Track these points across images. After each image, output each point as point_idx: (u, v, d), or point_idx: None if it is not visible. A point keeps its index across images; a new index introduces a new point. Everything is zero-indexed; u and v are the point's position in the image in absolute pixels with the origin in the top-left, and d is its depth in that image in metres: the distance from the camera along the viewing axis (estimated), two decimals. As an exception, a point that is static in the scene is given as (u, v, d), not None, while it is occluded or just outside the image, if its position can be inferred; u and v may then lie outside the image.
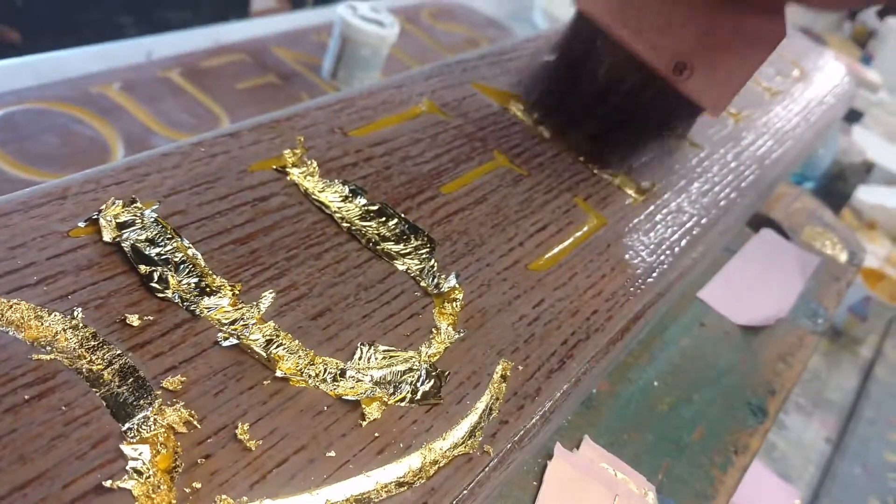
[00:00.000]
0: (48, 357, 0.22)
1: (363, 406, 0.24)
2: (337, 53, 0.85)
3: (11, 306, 0.22)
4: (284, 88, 0.84)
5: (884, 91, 1.64)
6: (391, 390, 0.25)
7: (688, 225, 0.39)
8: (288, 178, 0.31)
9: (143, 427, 0.21)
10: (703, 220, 0.40)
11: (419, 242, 0.30)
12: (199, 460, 0.21)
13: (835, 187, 1.09)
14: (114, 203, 0.26)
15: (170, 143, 0.31)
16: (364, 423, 0.24)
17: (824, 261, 0.46)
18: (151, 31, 0.84)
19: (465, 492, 0.23)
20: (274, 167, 0.31)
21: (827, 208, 0.52)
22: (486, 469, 0.24)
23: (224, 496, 0.20)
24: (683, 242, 0.38)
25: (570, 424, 0.31)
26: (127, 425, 0.21)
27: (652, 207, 0.39)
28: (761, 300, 0.40)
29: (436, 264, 0.30)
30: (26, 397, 0.21)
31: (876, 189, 1.25)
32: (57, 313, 0.23)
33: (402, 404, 0.25)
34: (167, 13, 1.49)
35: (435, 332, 0.27)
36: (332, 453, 0.22)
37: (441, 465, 0.23)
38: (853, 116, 1.47)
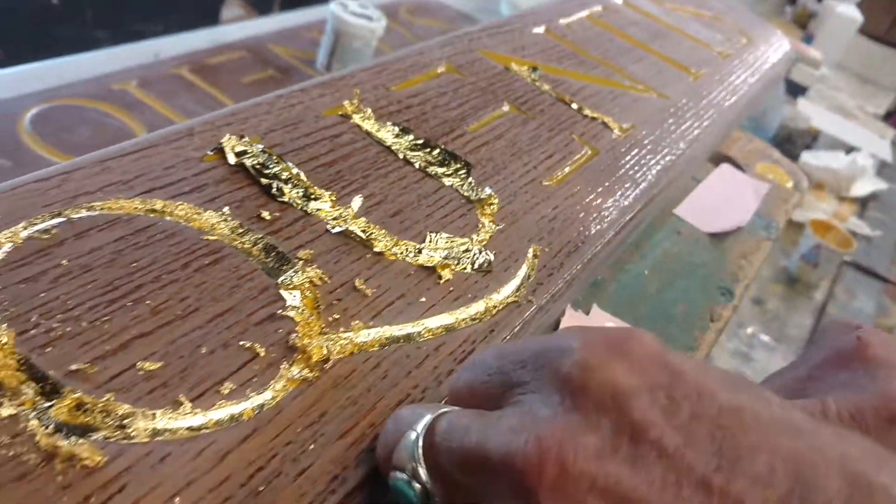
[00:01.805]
0: (213, 238, 0.30)
1: (439, 270, 0.32)
2: (330, 47, 0.93)
3: (177, 206, 0.30)
4: (284, 81, 0.91)
5: (825, 67, 1.77)
6: (455, 263, 0.33)
7: (662, 153, 0.48)
8: (351, 121, 0.39)
9: (293, 279, 0.29)
10: (675, 152, 0.49)
11: (458, 166, 0.39)
12: (333, 302, 0.29)
13: (784, 149, 1.20)
14: (229, 137, 0.34)
15: (254, 98, 0.39)
16: (441, 282, 0.32)
17: (774, 186, 0.56)
18: (125, 43, 0.90)
19: (517, 328, 0.32)
20: (340, 113, 0.39)
21: (775, 149, 0.62)
22: (530, 313, 0.32)
23: (356, 322, 0.29)
24: (658, 167, 0.47)
25: (581, 300, 0.40)
26: (281, 278, 0.29)
27: (633, 141, 0.48)
28: (724, 215, 0.49)
29: (472, 181, 0.38)
30: (206, 262, 0.29)
31: (821, 153, 1.36)
32: (210, 211, 0.31)
33: (465, 271, 0.33)
34: (140, 26, 1.55)
35: (480, 226, 0.36)
36: (424, 299, 0.31)
37: (499, 308, 0.32)
38: (798, 90, 1.59)
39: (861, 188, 1.30)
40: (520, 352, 0.21)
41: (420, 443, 0.21)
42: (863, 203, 1.31)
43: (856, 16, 2.01)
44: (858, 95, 1.86)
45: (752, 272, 0.46)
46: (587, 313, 0.38)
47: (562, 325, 0.36)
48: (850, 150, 1.41)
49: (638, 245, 0.46)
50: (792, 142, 1.25)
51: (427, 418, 0.22)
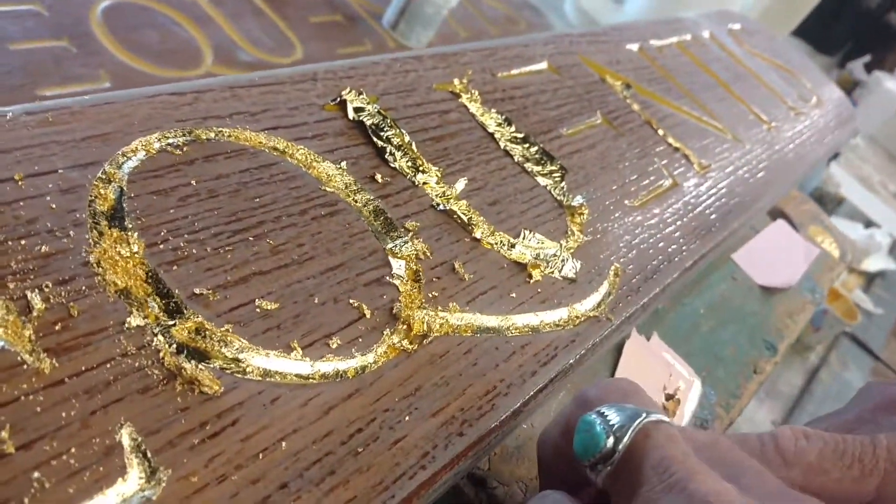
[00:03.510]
0: (330, 190, 0.30)
1: (530, 269, 0.33)
2: (401, 6, 0.92)
3: (298, 150, 0.31)
4: (349, 30, 0.91)
5: (860, 138, 1.78)
6: (545, 265, 0.34)
7: (735, 199, 0.48)
8: (459, 100, 0.39)
9: (402, 248, 0.29)
10: (747, 198, 0.49)
11: (554, 168, 0.39)
12: (433, 279, 0.30)
13: (812, 211, 1.21)
14: (350, 91, 0.35)
15: (372, 56, 0.39)
16: (531, 281, 0.32)
17: (822, 253, 0.57)
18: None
19: (595, 341, 0.32)
20: (449, 90, 0.39)
21: (826, 215, 0.63)
22: (608, 330, 0.33)
23: (453, 304, 0.29)
24: (729, 214, 0.47)
25: (642, 325, 0.41)
26: (390, 245, 0.29)
27: (710, 181, 0.48)
28: (776, 270, 0.50)
29: (565, 186, 0.39)
30: (322, 213, 0.29)
31: (841, 221, 1.38)
32: (328, 162, 0.31)
33: (553, 276, 0.33)
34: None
35: (570, 234, 0.36)
36: (514, 295, 0.31)
37: (580, 320, 0.33)
38: (832, 154, 1.60)
39: (873, 264, 1.32)
40: None
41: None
42: (870, 278, 1.33)
43: (900, 93, 2.02)
44: (884, 171, 1.89)
45: (796, 331, 0.47)
46: (648, 339, 0.39)
47: (625, 349, 0.37)
48: (868, 223, 1.43)
49: (696, 282, 0.47)
50: (823, 203, 1.26)
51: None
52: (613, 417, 0.23)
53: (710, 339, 0.43)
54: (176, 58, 0.74)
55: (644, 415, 0.23)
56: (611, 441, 0.22)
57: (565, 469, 0.26)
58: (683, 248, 0.41)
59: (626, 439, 0.22)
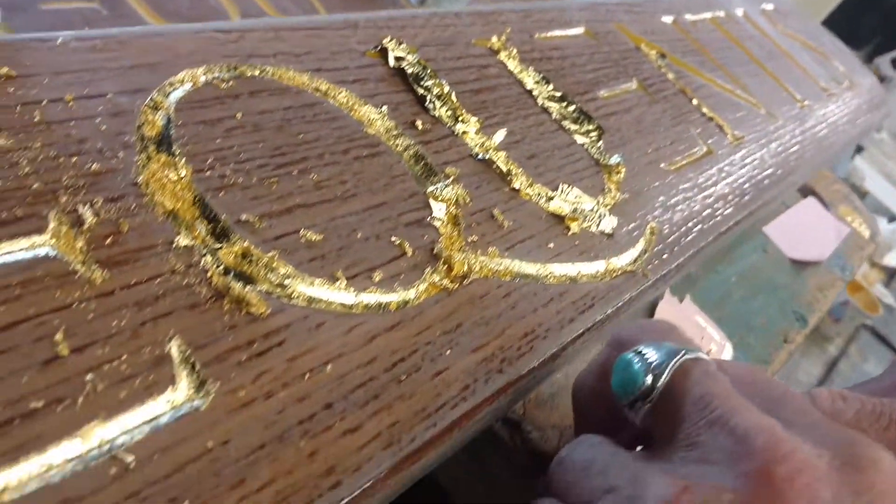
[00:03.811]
0: (371, 132, 0.30)
1: (567, 222, 0.33)
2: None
3: (340, 93, 0.31)
4: (376, 1, 0.91)
5: (885, 133, 1.76)
6: (582, 220, 0.33)
7: (768, 171, 0.48)
8: (497, 57, 0.39)
9: (443, 192, 0.29)
10: (779, 171, 0.49)
11: (591, 127, 0.39)
12: (472, 224, 0.29)
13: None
14: (390, 39, 0.34)
15: (411, 9, 0.38)
16: (568, 233, 0.32)
17: (852, 232, 0.56)
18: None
19: (632, 295, 0.32)
20: (488, 46, 0.39)
21: (857, 196, 0.62)
22: (644, 286, 0.33)
23: (493, 248, 0.29)
24: (762, 185, 0.47)
25: (675, 287, 0.40)
26: (430, 188, 0.29)
27: (744, 151, 0.48)
28: (807, 245, 0.50)
29: (602, 145, 0.38)
30: (364, 153, 0.29)
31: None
32: (369, 105, 0.31)
33: (590, 230, 0.33)
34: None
35: (607, 191, 0.36)
36: (552, 245, 0.31)
37: (617, 273, 0.32)
38: (856, 147, 1.58)
39: (895, 259, 1.30)
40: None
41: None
42: (891, 274, 1.32)
43: (926, 92, 2.00)
44: (906, 169, 1.86)
45: (826, 305, 0.47)
46: (681, 301, 0.39)
47: (658, 309, 0.37)
48: (892, 218, 1.42)
49: (728, 252, 0.47)
50: (846, 196, 1.25)
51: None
52: (651, 355, 0.23)
53: (741, 308, 0.43)
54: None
55: (683, 352, 0.22)
56: (649, 378, 0.22)
57: (601, 413, 0.26)
58: (717, 213, 0.40)
59: (664, 376, 0.22)
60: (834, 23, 1.88)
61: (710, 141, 0.46)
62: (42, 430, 0.17)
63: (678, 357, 0.22)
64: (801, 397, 0.23)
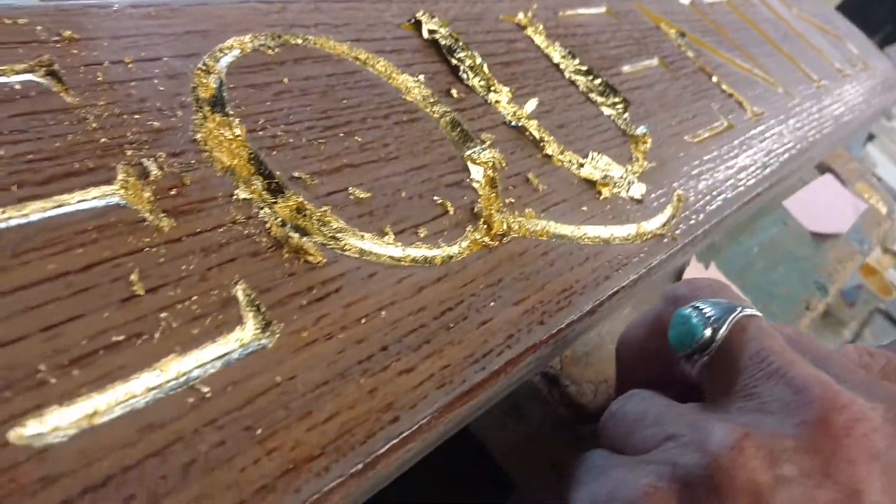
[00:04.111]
0: (409, 99, 0.31)
1: (599, 187, 0.34)
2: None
3: (378, 62, 0.31)
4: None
5: None
6: (612, 185, 0.34)
7: (787, 145, 0.49)
8: (524, 32, 0.40)
9: (481, 155, 0.30)
10: (797, 146, 0.50)
11: (617, 99, 0.40)
12: (509, 187, 0.30)
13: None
14: (423, 13, 0.35)
15: (439, -14, 0.39)
16: (600, 198, 0.33)
17: (869, 208, 0.57)
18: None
19: (662, 258, 0.33)
20: (515, 22, 0.40)
21: (873, 175, 0.63)
22: (674, 249, 0.34)
23: (529, 210, 0.30)
24: (782, 158, 0.48)
25: (699, 255, 0.41)
26: (468, 152, 0.30)
27: (763, 126, 0.49)
28: (826, 219, 0.51)
29: (628, 117, 0.39)
30: (404, 119, 0.30)
31: (876, 203, 1.37)
32: (406, 75, 0.32)
33: (620, 195, 0.34)
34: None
35: (634, 159, 0.37)
36: (585, 208, 0.32)
37: (648, 237, 0.33)
38: (868, 135, 1.58)
39: (907, 245, 1.31)
40: None
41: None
42: (903, 260, 1.32)
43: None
44: (918, 158, 1.87)
45: (845, 277, 0.48)
46: (706, 267, 0.40)
47: (685, 274, 0.38)
48: (903, 206, 1.42)
49: (749, 223, 0.47)
50: (857, 182, 1.25)
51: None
52: (709, 310, 0.24)
53: (763, 278, 0.44)
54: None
55: (740, 308, 0.23)
56: (708, 332, 0.23)
57: (647, 367, 0.27)
58: (740, 183, 0.41)
59: (723, 330, 0.23)
60: (846, 9, 1.88)
61: (730, 116, 0.47)
62: (124, 362, 0.18)
63: (736, 313, 0.23)
64: (845, 357, 0.24)
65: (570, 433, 0.30)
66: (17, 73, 0.22)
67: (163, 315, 0.19)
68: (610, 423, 0.24)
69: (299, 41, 0.29)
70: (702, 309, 0.24)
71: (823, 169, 0.59)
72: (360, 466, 0.19)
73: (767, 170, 0.45)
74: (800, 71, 0.62)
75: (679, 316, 0.24)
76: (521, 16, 0.41)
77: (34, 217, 0.19)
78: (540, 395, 0.30)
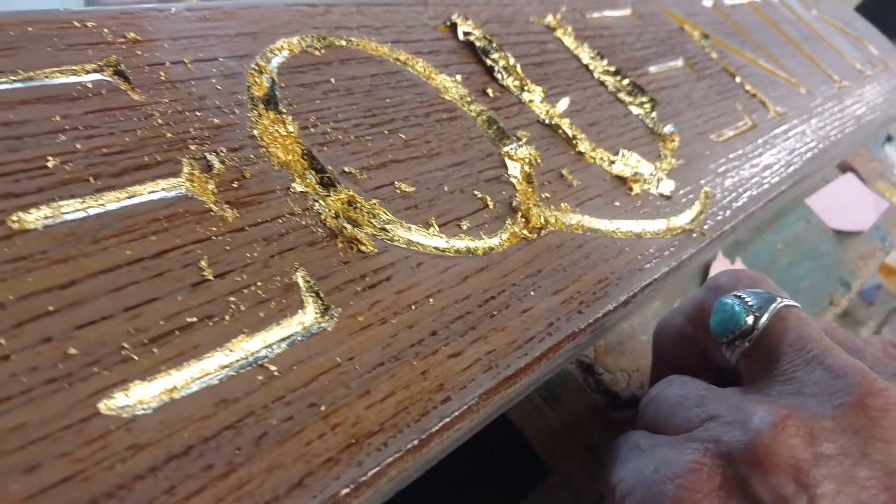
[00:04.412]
0: (448, 98, 0.32)
1: (630, 183, 0.35)
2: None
3: (418, 62, 0.33)
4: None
5: (913, 123, 1.76)
6: (643, 182, 0.35)
7: (810, 144, 0.50)
8: (554, 34, 0.41)
9: (517, 151, 0.31)
10: (820, 145, 0.50)
11: (644, 99, 0.41)
12: (545, 182, 0.31)
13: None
14: (458, 16, 0.36)
15: (472, -11, 0.40)
16: (630, 194, 0.34)
17: (891, 206, 0.58)
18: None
19: (692, 252, 0.34)
20: (545, 24, 0.41)
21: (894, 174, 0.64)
22: (703, 244, 0.35)
23: (565, 204, 0.31)
24: (805, 157, 0.48)
25: (725, 251, 0.42)
26: (505, 148, 0.31)
27: (786, 126, 0.49)
28: (847, 216, 0.51)
29: (656, 116, 0.40)
30: (444, 117, 0.31)
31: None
32: (444, 74, 0.33)
33: (650, 192, 0.35)
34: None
35: (662, 157, 0.38)
36: (617, 203, 0.33)
37: (677, 232, 0.34)
38: (886, 137, 1.58)
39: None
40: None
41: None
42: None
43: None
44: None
45: (868, 273, 0.49)
46: (732, 262, 0.41)
47: (712, 268, 0.39)
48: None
49: (773, 221, 0.48)
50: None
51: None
52: (751, 300, 0.25)
53: (787, 273, 0.45)
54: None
55: (779, 299, 0.24)
56: (750, 319, 0.24)
57: (684, 354, 0.28)
58: (765, 181, 0.42)
59: (764, 318, 0.24)
60: (865, 9, 1.87)
61: (753, 115, 0.48)
62: (198, 342, 0.19)
63: (777, 303, 0.24)
64: (873, 348, 0.25)
65: (605, 419, 0.31)
66: (88, 72, 0.23)
67: (231, 299, 0.20)
68: (651, 406, 0.25)
69: (343, 42, 0.31)
70: (744, 298, 0.25)
71: (845, 168, 0.60)
72: (415, 443, 0.20)
73: (791, 168, 0.46)
74: (821, 71, 0.63)
75: (721, 304, 0.25)
76: (550, 18, 0.42)
77: (110, 206, 0.20)
78: (575, 384, 0.31)
